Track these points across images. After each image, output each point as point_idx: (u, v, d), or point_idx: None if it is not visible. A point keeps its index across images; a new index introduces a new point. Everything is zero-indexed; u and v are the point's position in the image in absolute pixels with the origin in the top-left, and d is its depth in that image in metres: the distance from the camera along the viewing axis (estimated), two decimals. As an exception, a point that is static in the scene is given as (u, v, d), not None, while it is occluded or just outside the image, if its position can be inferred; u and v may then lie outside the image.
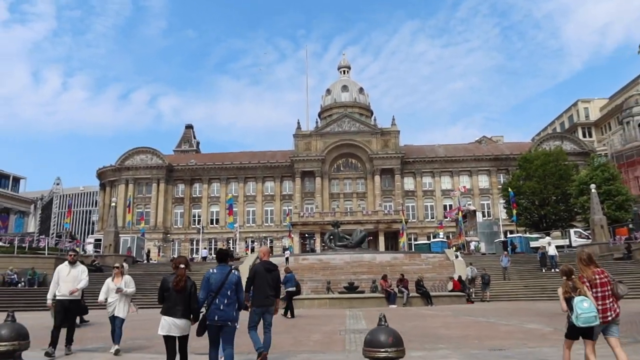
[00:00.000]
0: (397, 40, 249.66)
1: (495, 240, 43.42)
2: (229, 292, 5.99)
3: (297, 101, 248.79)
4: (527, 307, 18.04)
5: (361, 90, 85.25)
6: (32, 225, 65.02)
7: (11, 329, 4.18)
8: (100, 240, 36.85)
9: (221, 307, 5.90)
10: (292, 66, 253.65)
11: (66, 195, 42.59)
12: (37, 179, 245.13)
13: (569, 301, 5.40)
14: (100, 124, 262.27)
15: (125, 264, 26.60)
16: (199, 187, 70.96)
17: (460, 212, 44.24)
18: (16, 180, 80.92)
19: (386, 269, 29.20)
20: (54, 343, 8.14)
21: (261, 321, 7.43)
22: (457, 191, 52.56)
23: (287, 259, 31.59)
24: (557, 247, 30.94)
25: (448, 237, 54.32)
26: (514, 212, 43.01)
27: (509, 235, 44.49)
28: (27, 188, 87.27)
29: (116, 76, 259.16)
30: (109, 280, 9.03)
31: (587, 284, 5.45)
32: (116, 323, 8.63)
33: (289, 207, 66.84)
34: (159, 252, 59.92)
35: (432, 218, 67.71)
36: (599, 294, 5.40)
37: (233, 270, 6.22)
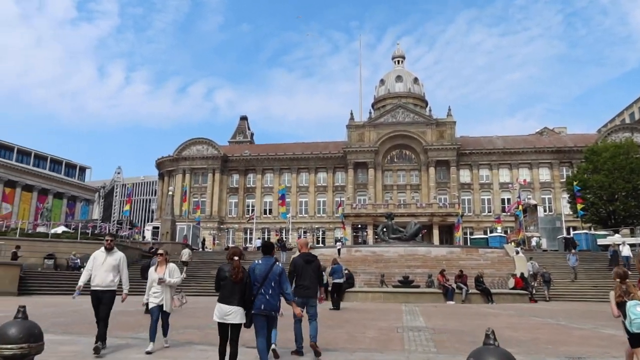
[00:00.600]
0: (452, 30, 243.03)
1: (558, 237, 41.22)
2: (272, 283, 6.24)
3: (350, 92, 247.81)
4: (599, 309, 16.72)
5: (415, 80, 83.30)
6: (96, 212, 68.02)
7: (21, 328, 3.18)
8: (158, 228, 37.90)
9: (267, 297, 6.15)
10: (346, 57, 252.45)
11: (126, 185, 44.24)
12: (102, 169, 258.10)
13: (621, 306, 5.14)
14: (160, 116, 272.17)
15: (187, 250, 27.14)
16: (253, 177, 71.82)
17: (520, 206, 42.25)
18: (82, 170, 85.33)
19: (442, 264, 28.27)
20: (102, 336, 7.43)
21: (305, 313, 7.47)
22: (517, 184, 50.26)
23: (339, 250, 31.24)
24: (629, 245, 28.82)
25: (506, 232, 52.27)
26: (579, 207, 40.61)
27: (573, 232, 42.08)
28: (92, 177, 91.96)
29: (175, 70, 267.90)
30: (151, 269, 8.24)
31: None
32: (162, 317, 7.85)
33: (342, 198, 66.43)
34: (213, 240, 61.17)
35: (489, 212, 65.36)
36: None
37: (277, 262, 6.48)
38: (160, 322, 7.78)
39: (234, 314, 6.03)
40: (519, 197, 46.07)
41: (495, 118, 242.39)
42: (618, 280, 5.39)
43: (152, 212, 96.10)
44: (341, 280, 16.99)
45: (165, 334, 7.89)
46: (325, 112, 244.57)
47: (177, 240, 34.81)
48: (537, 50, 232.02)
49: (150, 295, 7.91)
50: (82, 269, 25.83)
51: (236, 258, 6.19)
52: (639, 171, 41.03)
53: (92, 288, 7.62)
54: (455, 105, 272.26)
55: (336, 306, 15.69)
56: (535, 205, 47.73)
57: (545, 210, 57.68)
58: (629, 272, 5.43)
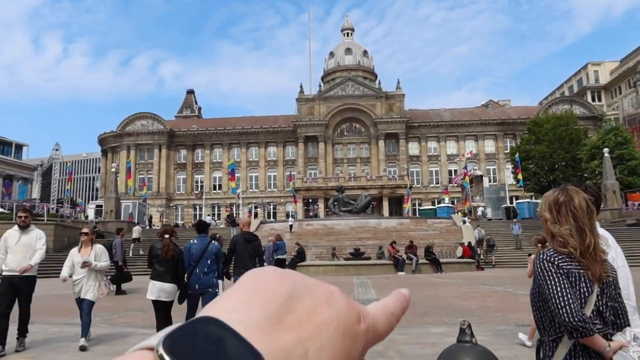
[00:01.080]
0: (401, 3, 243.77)
1: (502, 206, 42.71)
2: (208, 262, 6.32)
3: (299, 66, 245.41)
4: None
5: (365, 53, 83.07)
6: (35, 192, 64.51)
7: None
8: (101, 206, 36.29)
9: (201, 276, 6.22)
10: (295, 30, 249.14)
11: (67, 162, 41.90)
12: (40, 146, 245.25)
13: None
14: (102, 90, 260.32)
15: (137, 227, 26.04)
16: (201, 152, 70.06)
17: (467, 177, 43.34)
18: (19, 147, 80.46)
19: (392, 235, 28.64)
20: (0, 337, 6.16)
21: None
22: (464, 156, 51.49)
23: (290, 226, 31.05)
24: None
25: (453, 203, 53.69)
26: (520, 177, 42.10)
27: (515, 201, 43.69)
28: (29, 155, 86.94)
29: (117, 42, 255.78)
30: (73, 250, 6.93)
31: None
32: (83, 307, 6.52)
33: (292, 173, 66.08)
34: (161, 217, 59.55)
35: (437, 183, 66.91)
36: None
37: (213, 241, 6.59)
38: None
39: (167, 291, 6.09)
40: (465, 167, 47.21)
41: (442, 91, 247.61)
42: (539, 245, 5.65)
43: (97, 190, 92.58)
44: (284, 256, 17.03)
45: (85, 332, 6.44)
46: (275, 86, 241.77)
47: (122, 219, 33.46)
48: (482, 24, 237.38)
49: (73, 284, 6.68)
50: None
51: (167, 236, 6.22)
52: (577, 141, 42.87)
53: (5, 273, 6.35)
54: (404, 79, 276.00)
55: None
56: (481, 176, 49.14)
57: (490, 181, 59.53)
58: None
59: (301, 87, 69.06)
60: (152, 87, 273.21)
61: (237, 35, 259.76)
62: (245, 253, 7.50)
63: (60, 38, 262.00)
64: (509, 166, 63.63)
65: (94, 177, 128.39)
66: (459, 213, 40.55)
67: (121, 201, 35.44)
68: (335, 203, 36.41)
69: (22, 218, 6.65)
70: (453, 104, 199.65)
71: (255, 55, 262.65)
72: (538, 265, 1.99)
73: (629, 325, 2.03)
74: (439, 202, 58.67)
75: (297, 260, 20.20)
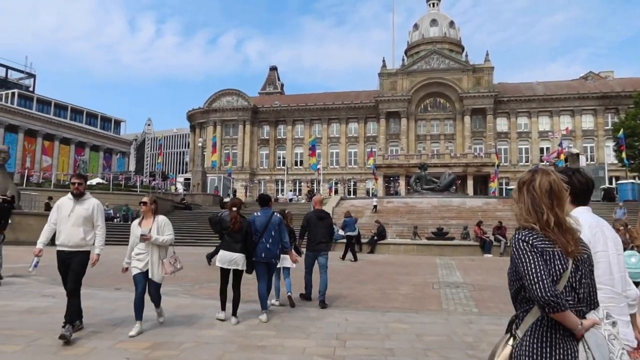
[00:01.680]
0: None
1: (600, 187, 39.36)
2: (272, 233, 6.67)
3: (382, 41, 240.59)
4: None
5: (451, 24, 79.24)
6: (132, 164, 68.65)
7: None
8: (189, 179, 37.95)
9: (267, 246, 6.58)
10: (378, 2, 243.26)
11: (158, 137, 44.13)
12: (137, 122, 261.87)
13: None
14: (191, 68, 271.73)
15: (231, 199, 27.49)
16: (283, 128, 71.10)
17: (561, 155, 40.28)
18: (117, 123, 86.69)
19: (477, 215, 27.35)
20: (69, 316, 5.47)
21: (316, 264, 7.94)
22: (559, 132, 47.88)
23: (374, 206, 30.30)
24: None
25: (545, 183, 50.23)
26: (624, 155, 38.37)
27: (616, 182, 40.02)
28: (127, 130, 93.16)
29: (204, 21, 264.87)
30: (134, 223, 6.23)
31: None
32: (150, 289, 5.93)
33: (373, 149, 65.27)
34: (246, 192, 61.52)
35: (527, 162, 63.15)
36: None
37: (275, 213, 6.96)
38: (148, 295, 5.93)
39: (236, 261, 6.38)
40: (560, 144, 43.88)
41: (536, 64, 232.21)
42: (621, 228, 5.51)
43: (186, 164, 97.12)
44: (354, 233, 16.91)
45: (157, 305, 6.08)
46: (357, 62, 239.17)
47: (208, 192, 34.80)
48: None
49: (133, 257, 6.00)
50: (115, 220, 26.21)
51: (234, 209, 6.53)
52: (692, 116, 38.23)
53: (58, 248, 5.72)
54: (494, 51, 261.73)
55: (354, 258, 15.69)
56: (578, 154, 45.41)
57: (587, 160, 55.17)
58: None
59: (384, 61, 67.54)
60: (238, 65, 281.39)
61: (320, 10, 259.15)
62: (318, 230, 7.87)
63: (153, 19, 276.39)
64: (610, 144, 58.60)
65: (183, 152, 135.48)
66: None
67: (207, 175, 36.80)
68: (418, 181, 35.42)
69: (76, 185, 5.85)
70: (548, 78, 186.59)
71: (337, 31, 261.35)
72: (514, 245, 2.07)
73: (597, 304, 2.09)
74: (528, 182, 55.14)
75: (378, 238, 19.75)
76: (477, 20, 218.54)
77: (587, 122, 62.56)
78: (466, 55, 68.39)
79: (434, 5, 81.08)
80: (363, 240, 20.18)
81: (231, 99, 71.65)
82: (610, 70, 77.41)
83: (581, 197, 2.59)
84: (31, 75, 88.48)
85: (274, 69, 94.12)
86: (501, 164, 59.16)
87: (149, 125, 43.90)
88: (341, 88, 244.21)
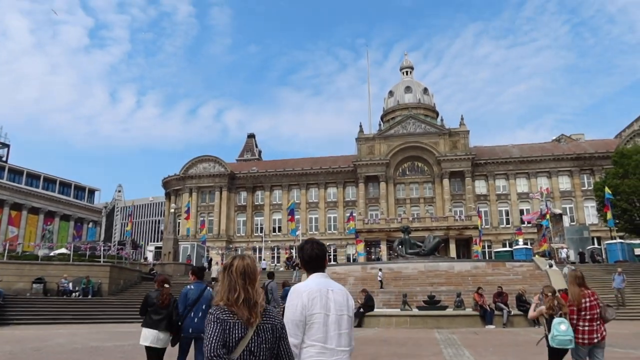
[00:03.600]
0: (459, 44, 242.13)
1: (588, 248, 38.49)
2: (204, 307, 6.44)
3: (358, 111, 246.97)
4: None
5: (425, 90, 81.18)
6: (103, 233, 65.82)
7: None
8: (161, 248, 35.79)
9: (195, 320, 6.37)
10: (353, 75, 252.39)
11: (128, 205, 42.14)
12: (113, 191, 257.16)
13: (549, 321, 5.43)
14: (171, 138, 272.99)
15: (217, 267, 25.86)
16: (261, 194, 69.69)
17: (548, 215, 39.53)
18: (91, 192, 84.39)
19: (467, 280, 25.89)
20: None
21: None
22: (539, 193, 47.60)
23: (380, 281, 26.46)
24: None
25: (526, 244, 49.39)
26: (609, 215, 37.80)
27: (606, 243, 39.20)
28: (101, 199, 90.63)
29: (185, 92, 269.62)
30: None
31: (575, 308, 5.38)
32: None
33: (353, 214, 64.07)
34: (222, 260, 58.86)
35: (508, 224, 62.69)
36: (587, 316, 5.33)
37: (207, 287, 6.82)
38: None
39: (162, 340, 6.30)
40: (545, 205, 43.29)
41: (506, 129, 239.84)
42: (550, 294, 5.81)
43: (161, 233, 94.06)
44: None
45: None
46: (334, 130, 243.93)
47: (180, 261, 32.63)
48: (545, 61, 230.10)
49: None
50: (73, 295, 23.77)
51: (167, 286, 6.57)
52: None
53: None
54: (466, 117, 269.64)
55: None
56: (561, 215, 45.03)
57: (569, 221, 54.80)
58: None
59: (360, 126, 67.89)
60: (217, 134, 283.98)
61: (298, 81, 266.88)
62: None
63: (134, 91, 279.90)
64: (588, 204, 58.72)
65: (159, 221, 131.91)
66: (536, 255, 36.80)
67: (180, 243, 34.71)
68: (401, 245, 33.97)
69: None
70: (520, 141, 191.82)
71: (314, 100, 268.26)
72: (207, 319, 2.51)
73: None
74: (510, 245, 54.54)
75: (365, 310, 17.85)
76: (447, 90, 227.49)
77: (564, 183, 62.92)
78: (441, 120, 69.36)
79: (407, 73, 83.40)
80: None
81: (208, 165, 70.47)
82: (581, 133, 79.48)
83: (311, 265, 2.98)
84: (5, 145, 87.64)
85: (251, 136, 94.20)
86: (483, 227, 58.38)
87: (119, 191, 41.95)
88: (319, 154, 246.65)
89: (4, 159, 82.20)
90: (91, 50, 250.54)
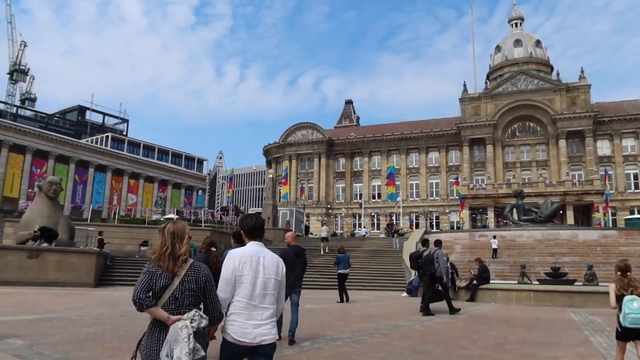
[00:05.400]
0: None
1: None
2: None
3: (461, 72, 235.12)
4: None
5: (538, 43, 73.50)
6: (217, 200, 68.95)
7: None
8: (260, 214, 36.03)
9: None
10: (455, 35, 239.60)
11: (227, 171, 42.88)
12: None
13: (620, 299, 5.21)
14: (273, 108, 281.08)
15: (326, 227, 26.15)
16: (360, 161, 68.43)
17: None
18: (200, 162, 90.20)
19: (595, 250, 22.76)
20: None
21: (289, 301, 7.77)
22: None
23: (494, 250, 24.18)
24: None
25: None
26: None
27: None
28: (209, 168, 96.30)
29: (285, 63, 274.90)
30: None
31: None
32: None
33: (458, 178, 60.76)
34: (322, 226, 58.92)
35: (637, 189, 55.73)
36: None
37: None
38: None
39: None
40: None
41: (631, 87, 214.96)
42: (619, 273, 5.41)
43: (263, 200, 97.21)
44: (346, 271, 15.61)
45: None
46: (435, 95, 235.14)
47: (279, 226, 32.51)
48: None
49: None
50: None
51: (213, 249, 6.68)
52: None
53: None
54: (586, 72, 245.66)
55: (346, 299, 14.95)
56: None
57: None
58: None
59: (465, 85, 63.44)
60: (316, 103, 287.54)
61: (396, 46, 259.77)
62: (295, 266, 7.90)
63: (237, 64, 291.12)
64: None
65: (262, 189, 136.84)
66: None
67: (279, 209, 34.60)
68: (514, 210, 30.96)
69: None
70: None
71: (414, 64, 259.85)
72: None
73: (191, 309, 2.88)
74: (639, 211, 48.40)
75: (479, 282, 15.91)
76: (561, 45, 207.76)
77: None
78: (557, 75, 62.71)
79: (516, 25, 76.01)
80: (460, 284, 16.52)
81: (306, 132, 70.39)
82: None
83: (250, 234, 3.48)
84: (124, 120, 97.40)
85: (349, 102, 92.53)
86: (605, 192, 52.41)
87: (220, 158, 43.00)
88: (419, 119, 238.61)
89: (124, 132, 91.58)
90: (197, 27, 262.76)
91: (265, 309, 3.28)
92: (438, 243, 12.91)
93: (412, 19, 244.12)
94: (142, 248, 23.09)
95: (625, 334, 5.18)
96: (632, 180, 56.78)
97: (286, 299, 7.32)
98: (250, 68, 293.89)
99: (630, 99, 62.66)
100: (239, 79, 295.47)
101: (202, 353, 2.81)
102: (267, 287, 3.30)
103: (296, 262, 7.87)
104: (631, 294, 5.13)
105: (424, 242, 13.87)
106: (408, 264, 16.55)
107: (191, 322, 2.78)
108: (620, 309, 5.16)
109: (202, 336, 2.89)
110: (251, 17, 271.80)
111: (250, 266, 3.27)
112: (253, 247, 3.39)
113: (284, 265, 3.48)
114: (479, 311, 11.88)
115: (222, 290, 3.23)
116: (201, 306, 2.99)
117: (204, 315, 2.90)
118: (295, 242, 8.30)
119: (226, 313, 3.24)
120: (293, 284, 7.76)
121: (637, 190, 55.50)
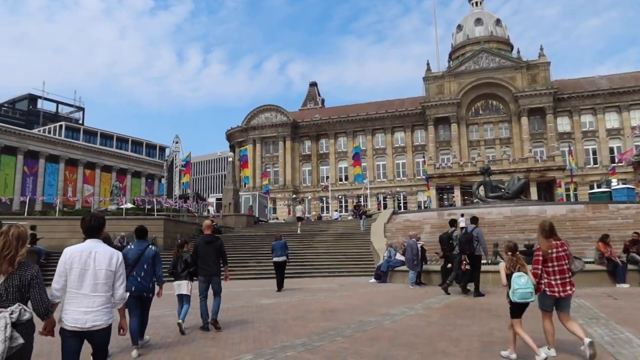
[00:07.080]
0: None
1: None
2: (145, 266, 6.62)
3: (423, 54, 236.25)
4: None
5: (498, 22, 73.74)
6: (176, 188, 66.72)
7: None
8: (221, 199, 34.54)
9: (138, 279, 6.53)
10: (417, 17, 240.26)
11: (184, 155, 40.74)
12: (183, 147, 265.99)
13: (509, 277, 5.56)
14: (237, 94, 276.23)
15: (300, 207, 24.10)
16: (326, 142, 67.40)
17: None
18: (162, 149, 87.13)
19: (565, 225, 22.43)
20: None
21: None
22: (638, 127, 41.80)
23: (462, 215, 22.69)
24: None
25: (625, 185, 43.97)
26: None
27: None
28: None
29: (249, 48, 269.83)
30: None
31: (540, 258, 5.51)
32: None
33: (423, 159, 60.45)
34: (289, 211, 57.79)
35: (596, 164, 56.85)
36: (556, 268, 5.44)
37: (150, 246, 6.89)
38: None
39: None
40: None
41: (583, 67, 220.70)
42: (509, 253, 5.80)
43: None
44: (281, 259, 14.43)
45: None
46: (398, 77, 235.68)
47: (242, 212, 31.15)
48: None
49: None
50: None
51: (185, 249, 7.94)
52: None
53: None
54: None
55: (280, 287, 14.16)
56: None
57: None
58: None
59: (428, 64, 63.08)
60: (281, 87, 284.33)
61: (359, 29, 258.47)
62: (207, 254, 7.81)
63: (200, 49, 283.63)
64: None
65: (224, 175, 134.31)
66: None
67: (240, 193, 33.18)
68: (481, 187, 30.55)
69: None
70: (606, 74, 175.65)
71: (377, 48, 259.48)
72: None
73: (14, 303, 3.20)
74: (599, 186, 49.14)
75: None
76: (519, 27, 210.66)
77: (663, 115, 55.66)
78: (517, 53, 62.92)
79: (477, 4, 75.93)
80: (433, 267, 15.73)
81: (270, 115, 68.73)
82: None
83: (89, 233, 3.83)
84: (80, 109, 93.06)
85: (313, 84, 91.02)
86: (565, 168, 53.08)
87: (176, 143, 40.30)
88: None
89: (80, 121, 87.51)
90: (156, 11, 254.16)
91: (97, 296, 3.64)
92: (474, 220, 12.25)
93: (375, 1, 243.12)
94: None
95: (515, 309, 5.51)
96: (591, 156, 57.85)
97: (207, 286, 7.77)
98: (213, 53, 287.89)
99: (588, 75, 63.65)
100: (202, 65, 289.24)
101: (20, 341, 3.12)
102: (97, 277, 3.67)
103: (207, 251, 7.78)
104: (518, 270, 5.48)
105: (451, 222, 13.13)
106: (437, 246, 15.36)
107: (11, 314, 3.12)
108: (509, 286, 5.48)
109: (25, 328, 3.20)
110: (212, 0, 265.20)
111: (79, 260, 3.64)
112: (88, 243, 3.78)
113: (119, 258, 3.84)
114: (455, 298, 10.99)
115: (55, 281, 3.63)
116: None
117: (27, 309, 3.25)
118: (209, 231, 8.19)
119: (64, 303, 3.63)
120: (207, 272, 7.76)
121: (596, 165, 56.56)
